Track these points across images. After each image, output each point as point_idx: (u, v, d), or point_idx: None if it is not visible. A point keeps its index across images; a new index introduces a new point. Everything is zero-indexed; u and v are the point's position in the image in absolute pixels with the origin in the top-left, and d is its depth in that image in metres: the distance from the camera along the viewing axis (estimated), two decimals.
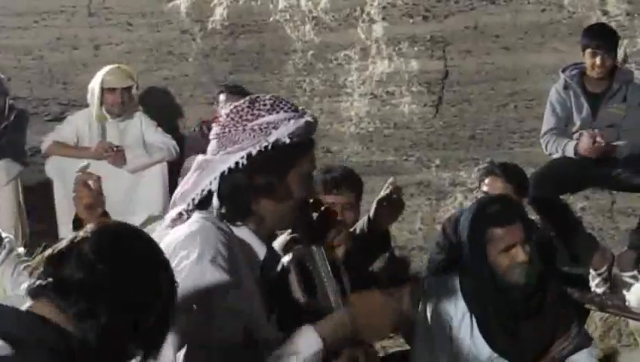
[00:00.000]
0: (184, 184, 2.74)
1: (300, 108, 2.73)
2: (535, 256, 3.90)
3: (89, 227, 2.10)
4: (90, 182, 2.97)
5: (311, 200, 2.86)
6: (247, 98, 2.71)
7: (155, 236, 2.70)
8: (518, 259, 3.82)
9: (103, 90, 6.54)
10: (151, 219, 6.52)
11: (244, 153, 2.59)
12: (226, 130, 2.65)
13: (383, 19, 7.15)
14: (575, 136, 6.11)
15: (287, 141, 2.59)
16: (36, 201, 6.34)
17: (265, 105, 2.64)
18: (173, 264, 2.45)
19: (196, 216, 2.67)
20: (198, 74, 7.33)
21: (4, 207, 4.65)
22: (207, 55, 7.33)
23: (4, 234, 4.31)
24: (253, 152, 2.58)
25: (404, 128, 7.09)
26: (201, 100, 7.31)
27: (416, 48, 7.10)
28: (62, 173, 6.45)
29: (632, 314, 4.59)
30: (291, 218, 2.79)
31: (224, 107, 6.67)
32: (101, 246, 2.03)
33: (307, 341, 2.51)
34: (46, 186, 6.45)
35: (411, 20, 7.15)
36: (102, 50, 7.30)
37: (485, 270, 3.88)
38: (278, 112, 2.63)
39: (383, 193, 3.97)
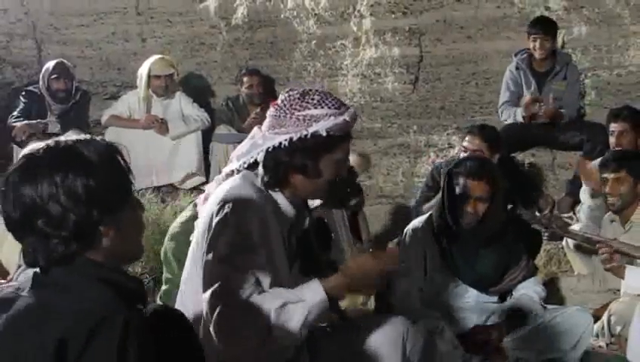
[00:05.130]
0: (241, 147, 2.72)
1: (344, 105, 2.64)
2: (497, 211, 3.86)
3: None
4: None
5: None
6: (301, 90, 2.65)
7: (211, 185, 2.76)
8: (470, 209, 3.81)
9: (149, 76, 6.52)
10: (189, 176, 6.55)
11: (287, 137, 2.56)
12: (278, 113, 2.61)
13: (371, 14, 7.11)
14: (521, 102, 6.12)
15: (324, 134, 2.54)
16: None
17: (313, 99, 2.59)
18: (215, 208, 2.52)
19: (241, 175, 2.66)
20: (225, 60, 7.31)
21: None
22: (232, 45, 7.30)
23: None
24: (294, 138, 2.55)
25: (388, 101, 7.08)
26: (227, 81, 7.29)
27: (397, 38, 7.06)
28: (118, 140, 6.41)
29: (569, 232, 4.58)
30: (322, 192, 2.74)
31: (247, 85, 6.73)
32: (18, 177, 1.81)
33: (313, 292, 2.47)
34: None
35: (393, 16, 7.11)
36: (148, 42, 7.28)
37: (452, 208, 3.86)
38: (322, 107, 2.57)
39: None
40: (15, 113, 6.32)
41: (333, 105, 2.60)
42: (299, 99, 2.60)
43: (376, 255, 2.62)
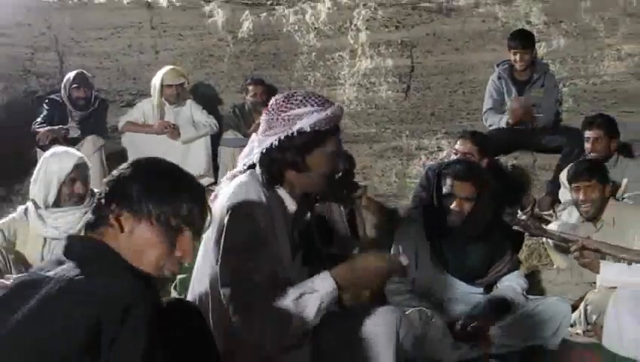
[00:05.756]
0: (244, 151, 2.74)
1: (328, 102, 2.60)
2: (482, 210, 3.86)
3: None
4: None
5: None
6: (286, 93, 2.64)
7: (220, 185, 2.77)
8: (455, 207, 3.82)
9: (162, 85, 6.50)
10: (198, 177, 6.47)
11: (276, 137, 2.56)
12: (267, 117, 2.62)
13: (367, 28, 7.12)
14: (507, 106, 6.11)
15: (309, 130, 2.53)
16: (115, 165, 6.34)
17: (296, 100, 2.58)
18: (226, 205, 2.51)
19: (246, 174, 2.66)
20: (231, 71, 7.30)
21: (92, 170, 4.66)
22: (238, 57, 7.29)
23: (95, 189, 4.28)
24: (282, 137, 2.55)
25: (382, 108, 7.08)
26: (233, 90, 7.27)
27: (390, 50, 7.07)
28: (133, 144, 6.44)
29: (546, 233, 4.58)
30: (319, 185, 2.70)
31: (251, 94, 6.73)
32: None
33: (324, 282, 2.45)
34: (122, 154, 6.45)
35: (387, 29, 7.12)
36: (161, 54, 7.27)
37: (441, 206, 3.87)
38: (305, 106, 2.55)
39: None
40: (39, 119, 6.32)
41: (315, 102, 2.57)
42: (284, 101, 2.59)
43: (384, 257, 2.58)
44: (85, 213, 3.93)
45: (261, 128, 2.66)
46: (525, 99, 6.06)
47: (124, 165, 2.01)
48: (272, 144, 2.57)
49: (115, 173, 2.00)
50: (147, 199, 1.93)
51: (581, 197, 4.52)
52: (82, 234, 2.04)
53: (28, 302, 1.72)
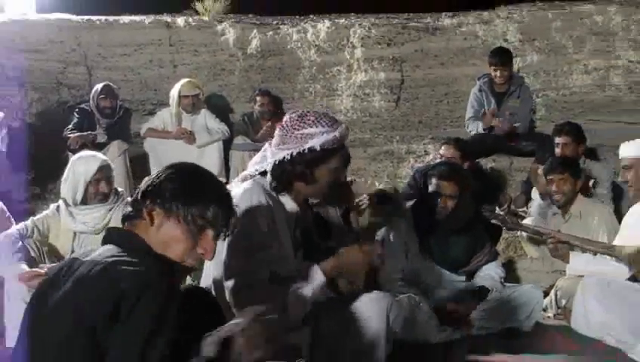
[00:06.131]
0: (255, 158, 2.75)
1: (336, 122, 2.62)
2: (464, 206, 3.86)
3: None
4: None
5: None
6: (300, 112, 2.64)
7: (231, 185, 2.74)
8: (442, 204, 3.82)
9: (180, 96, 6.50)
10: None
11: (289, 152, 2.57)
12: (282, 132, 2.62)
13: (362, 45, 7.13)
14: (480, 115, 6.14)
15: (318, 148, 2.55)
16: (138, 167, 6.35)
17: (309, 119, 2.58)
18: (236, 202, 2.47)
19: (250, 182, 2.67)
20: (241, 83, 7.30)
21: (117, 172, 4.64)
22: (247, 71, 7.29)
23: (119, 188, 4.27)
24: (294, 153, 2.56)
25: (375, 116, 7.08)
26: (243, 100, 7.27)
27: (383, 64, 7.08)
28: (154, 148, 6.43)
29: (522, 226, 4.60)
30: (321, 194, 2.74)
31: (258, 104, 6.73)
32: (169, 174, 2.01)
33: (316, 277, 2.52)
34: (144, 157, 6.46)
35: (380, 46, 7.13)
36: (178, 68, 7.27)
37: (427, 203, 3.88)
38: (317, 126, 2.56)
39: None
40: (70, 126, 6.31)
41: (326, 123, 2.59)
42: (297, 120, 2.59)
43: (364, 249, 2.60)
44: (110, 209, 3.93)
45: (274, 141, 2.65)
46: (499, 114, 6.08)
47: (164, 168, 2.03)
48: (284, 158, 2.58)
49: (155, 173, 2.02)
50: (178, 200, 1.94)
51: (554, 188, 4.56)
52: (109, 228, 2.06)
53: (67, 282, 1.81)
